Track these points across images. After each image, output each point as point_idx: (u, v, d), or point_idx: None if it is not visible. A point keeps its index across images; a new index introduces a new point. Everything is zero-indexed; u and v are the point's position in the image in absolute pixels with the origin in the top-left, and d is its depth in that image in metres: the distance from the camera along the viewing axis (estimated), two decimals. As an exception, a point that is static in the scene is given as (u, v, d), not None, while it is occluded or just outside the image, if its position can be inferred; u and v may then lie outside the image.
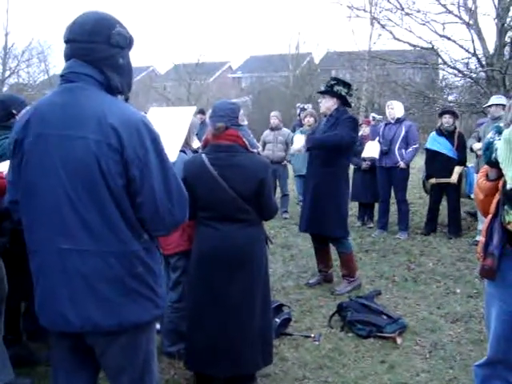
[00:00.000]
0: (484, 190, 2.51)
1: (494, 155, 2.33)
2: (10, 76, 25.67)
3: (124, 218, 1.89)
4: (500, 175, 2.39)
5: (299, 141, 5.03)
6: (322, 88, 5.24)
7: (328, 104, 5.03)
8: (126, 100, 2.07)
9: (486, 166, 2.54)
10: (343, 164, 5.04)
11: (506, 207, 2.29)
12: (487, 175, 2.49)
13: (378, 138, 7.36)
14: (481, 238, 2.55)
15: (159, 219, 1.95)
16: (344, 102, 5.05)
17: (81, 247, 1.85)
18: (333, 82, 5.02)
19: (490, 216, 2.46)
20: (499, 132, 2.35)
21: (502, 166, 2.26)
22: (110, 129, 1.81)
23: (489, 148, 2.37)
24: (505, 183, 2.28)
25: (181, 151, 3.49)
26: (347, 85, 5.08)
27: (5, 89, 23.90)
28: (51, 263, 1.89)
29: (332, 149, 4.83)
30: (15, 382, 3.16)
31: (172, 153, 3.11)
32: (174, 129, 3.34)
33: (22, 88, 24.39)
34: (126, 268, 1.90)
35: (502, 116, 5.99)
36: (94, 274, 1.87)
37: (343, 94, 4.99)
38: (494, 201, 2.44)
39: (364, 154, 7.44)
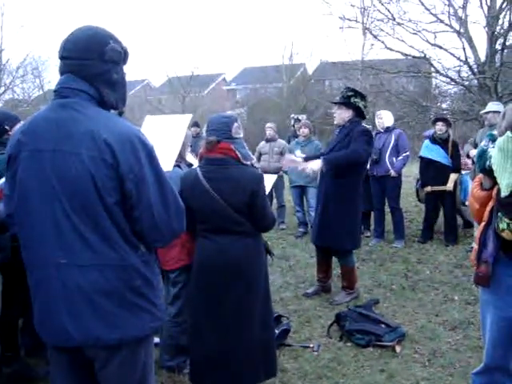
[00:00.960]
0: (479, 200, 2.52)
1: (487, 163, 2.34)
2: (4, 92, 25.67)
3: (120, 232, 1.89)
4: (494, 184, 2.41)
5: (315, 163, 4.80)
6: (338, 98, 5.13)
7: (343, 115, 4.94)
8: (120, 114, 2.08)
9: (480, 176, 2.55)
10: (356, 175, 4.92)
11: (499, 215, 2.30)
12: (481, 184, 2.51)
13: None
14: (474, 246, 2.56)
15: (158, 231, 1.96)
16: (359, 113, 4.97)
17: (79, 262, 1.86)
18: (350, 94, 4.93)
19: (483, 224, 2.48)
20: (493, 140, 2.36)
21: (496, 174, 2.26)
22: (104, 144, 1.82)
23: (482, 156, 2.38)
24: (499, 191, 2.29)
25: (176, 166, 3.49)
26: (364, 97, 5.01)
27: (0, 105, 23.90)
28: (49, 278, 1.89)
29: (349, 167, 4.75)
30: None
31: (168, 162, 3.13)
32: (170, 137, 3.35)
33: (16, 104, 24.43)
34: (125, 281, 1.91)
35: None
36: (92, 288, 1.87)
37: (360, 106, 4.91)
38: (488, 208, 2.45)
39: None
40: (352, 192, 4.89)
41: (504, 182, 2.22)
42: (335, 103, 5.13)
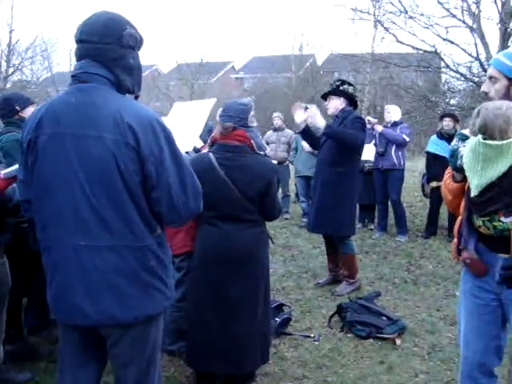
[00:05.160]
0: (452, 191, 2.53)
1: (459, 162, 2.34)
2: (13, 73, 25.63)
3: (140, 214, 1.94)
4: (465, 177, 2.42)
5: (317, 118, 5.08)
6: (328, 89, 5.17)
7: (335, 103, 4.97)
8: (136, 98, 2.12)
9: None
10: (350, 164, 4.94)
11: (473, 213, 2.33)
12: (453, 176, 2.51)
13: (373, 141, 7.39)
14: (454, 240, 2.54)
15: (176, 212, 2.00)
16: (351, 101, 5.01)
17: (98, 243, 1.90)
18: (338, 83, 5.01)
19: (460, 218, 2.48)
20: (463, 139, 2.37)
21: (467, 174, 2.27)
22: (127, 128, 1.86)
23: (453, 155, 2.39)
24: (469, 190, 2.30)
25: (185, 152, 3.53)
26: (351, 85, 5.06)
27: (8, 86, 23.85)
28: (67, 259, 1.93)
29: (342, 145, 4.77)
30: (16, 376, 3.19)
31: (189, 142, 3.30)
32: (192, 120, 3.49)
33: (24, 85, 24.35)
34: (140, 262, 1.96)
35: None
36: (110, 269, 1.91)
37: (350, 91, 4.95)
38: (463, 203, 2.45)
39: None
40: (348, 180, 4.93)
41: (474, 183, 2.24)
42: (326, 94, 5.13)
